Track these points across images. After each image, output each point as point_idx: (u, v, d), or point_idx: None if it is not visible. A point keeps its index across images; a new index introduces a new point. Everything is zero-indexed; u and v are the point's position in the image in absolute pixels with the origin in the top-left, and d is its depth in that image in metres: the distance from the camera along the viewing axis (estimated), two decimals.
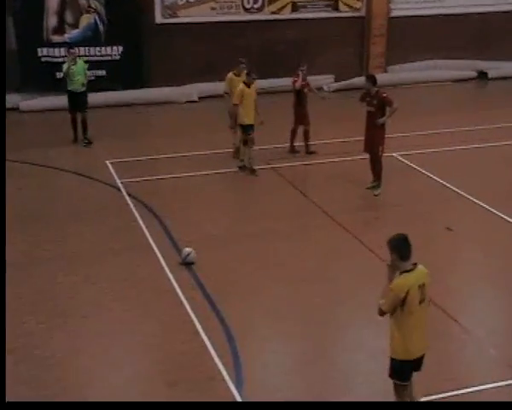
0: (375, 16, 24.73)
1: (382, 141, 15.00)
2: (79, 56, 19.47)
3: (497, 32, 25.49)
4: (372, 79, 15.01)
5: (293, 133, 17.60)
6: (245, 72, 16.59)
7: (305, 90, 17.49)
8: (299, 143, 17.56)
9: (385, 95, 14.87)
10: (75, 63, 18.49)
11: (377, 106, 14.77)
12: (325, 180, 16.07)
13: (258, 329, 10.46)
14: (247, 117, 16.12)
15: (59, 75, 21.98)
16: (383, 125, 14.87)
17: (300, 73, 17.36)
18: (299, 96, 17.37)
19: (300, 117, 17.43)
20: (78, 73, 18.49)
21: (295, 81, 17.29)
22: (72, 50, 18.79)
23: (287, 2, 24.18)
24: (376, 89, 14.93)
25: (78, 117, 18.67)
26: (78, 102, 18.60)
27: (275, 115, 20.28)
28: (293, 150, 17.68)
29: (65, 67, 18.66)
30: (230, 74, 17.14)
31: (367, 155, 15.38)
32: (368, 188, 15.23)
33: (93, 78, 20.93)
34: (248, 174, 16.34)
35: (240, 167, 16.58)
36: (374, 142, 14.96)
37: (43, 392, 8.95)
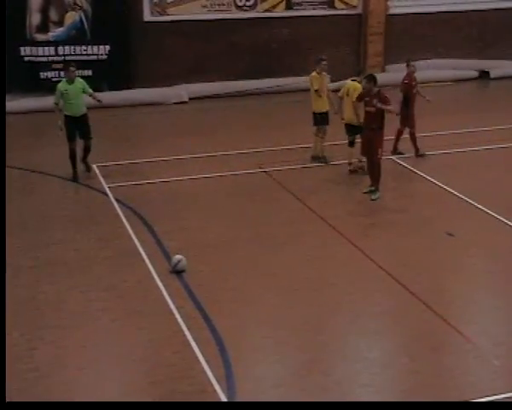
0: (372, 14, 24.82)
1: (381, 144, 15.06)
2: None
3: (497, 31, 25.59)
4: (373, 80, 15.12)
5: (399, 134, 17.63)
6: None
7: (414, 90, 17.53)
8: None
9: (386, 95, 14.99)
10: (71, 82, 16.36)
11: (377, 107, 14.84)
12: (321, 184, 16.07)
13: (251, 339, 10.44)
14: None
15: (43, 75, 22.08)
16: (382, 127, 14.93)
17: (409, 70, 17.48)
18: (407, 95, 17.38)
19: (406, 118, 17.39)
20: (75, 95, 16.36)
21: (406, 81, 17.40)
22: (72, 69, 16.65)
23: (281, 0, 24.20)
24: (377, 89, 15.02)
25: (80, 144, 16.72)
26: (78, 129, 16.55)
27: (269, 117, 20.36)
28: (395, 151, 17.67)
29: (60, 88, 16.41)
30: (314, 73, 17.10)
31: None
32: (365, 192, 15.24)
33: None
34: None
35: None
36: (372, 144, 14.99)
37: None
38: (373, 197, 15.14)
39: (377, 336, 10.56)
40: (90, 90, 16.61)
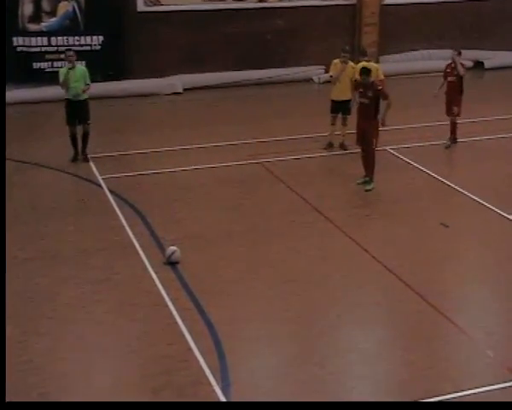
0: (366, 4, 24.82)
1: (376, 133, 15.10)
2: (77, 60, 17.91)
3: (492, 21, 25.59)
4: (369, 72, 15.11)
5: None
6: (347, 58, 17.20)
7: (449, 78, 17.75)
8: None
9: (380, 87, 14.99)
10: (72, 68, 16.88)
11: (372, 98, 14.86)
12: (316, 175, 16.07)
13: (245, 331, 10.41)
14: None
15: (36, 66, 22.03)
16: (376, 116, 14.94)
17: (456, 58, 17.58)
18: (461, 83, 17.60)
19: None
20: (77, 79, 16.85)
21: (453, 68, 17.56)
22: (69, 53, 17.29)
23: None
24: (372, 80, 15.03)
25: (79, 131, 17.22)
26: (78, 113, 17.01)
27: (263, 108, 20.33)
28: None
29: (62, 73, 17.02)
30: (336, 60, 17.36)
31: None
32: (359, 183, 15.24)
33: None
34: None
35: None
36: (366, 134, 15.00)
37: (21, 400, 8.90)
38: (367, 188, 15.16)
39: (371, 327, 10.57)
40: (88, 81, 17.06)
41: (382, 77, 16.78)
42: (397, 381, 9.28)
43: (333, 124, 17.32)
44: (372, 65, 16.70)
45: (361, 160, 15.37)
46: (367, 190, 15.15)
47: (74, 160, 17.08)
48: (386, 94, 14.96)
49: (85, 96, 17.09)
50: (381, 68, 17.24)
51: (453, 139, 17.85)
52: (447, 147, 17.74)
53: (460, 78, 17.56)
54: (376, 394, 9.04)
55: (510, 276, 11.93)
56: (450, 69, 17.73)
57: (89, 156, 17.16)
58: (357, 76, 15.59)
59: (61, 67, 18.04)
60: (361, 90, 15.09)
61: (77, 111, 17.01)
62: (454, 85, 17.60)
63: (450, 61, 17.91)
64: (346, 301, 11.13)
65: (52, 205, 14.63)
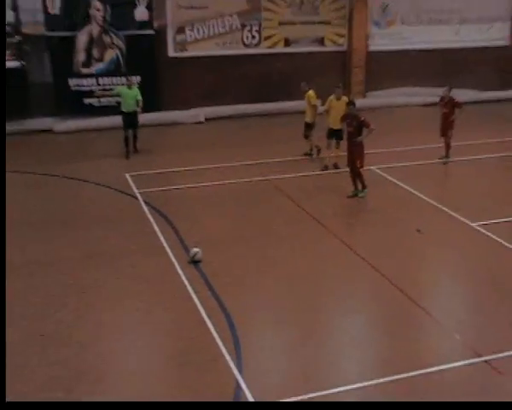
0: (355, 50, 24.80)
1: (361, 156, 15.08)
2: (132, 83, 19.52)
3: (456, 65, 25.57)
4: (354, 104, 15.23)
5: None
6: (341, 94, 17.15)
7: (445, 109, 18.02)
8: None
9: (363, 118, 14.94)
10: (130, 88, 18.88)
11: (356, 127, 14.85)
12: (313, 190, 15.98)
13: (256, 317, 10.35)
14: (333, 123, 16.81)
15: (86, 101, 22.08)
16: (361, 142, 14.93)
17: (447, 93, 18.01)
18: (453, 112, 17.88)
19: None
20: (132, 96, 18.68)
21: (446, 102, 17.88)
22: (131, 78, 19.38)
23: (280, 39, 24.19)
24: (356, 112, 14.96)
25: (131, 135, 18.84)
26: (130, 121, 18.74)
27: (270, 134, 20.31)
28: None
29: (119, 89, 19.44)
30: (331, 96, 17.22)
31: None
32: (348, 197, 15.18)
33: (115, 103, 20.80)
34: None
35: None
36: (354, 157, 14.99)
37: (70, 371, 8.87)
38: (360, 195, 15.20)
39: (359, 315, 10.48)
40: (140, 98, 18.77)
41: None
42: (380, 359, 9.19)
43: (328, 147, 17.21)
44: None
45: (350, 177, 15.32)
46: (360, 197, 15.18)
47: (127, 157, 18.63)
48: (369, 123, 14.88)
49: (136, 109, 18.70)
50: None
51: (446, 156, 17.95)
52: (444, 163, 17.85)
53: (453, 108, 17.77)
54: (363, 371, 8.95)
55: (475, 272, 11.82)
56: (444, 103, 17.98)
57: (139, 150, 19.09)
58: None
59: (114, 89, 20.46)
60: (348, 120, 15.13)
61: (130, 120, 18.72)
62: (447, 115, 17.86)
63: (442, 96, 18.18)
64: (338, 293, 11.07)
65: (96, 214, 14.57)
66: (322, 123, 17.71)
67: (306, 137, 18.30)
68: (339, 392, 8.42)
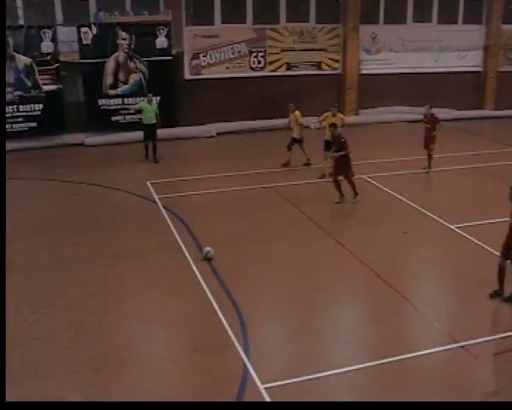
0: (348, 74, 24.77)
1: (349, 167, 15.20)
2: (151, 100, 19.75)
3: (436, 87, 25.54)
4: (336, 126, 15.54)
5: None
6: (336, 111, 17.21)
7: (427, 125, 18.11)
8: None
9: (343, 140, 15.19)
10: (150, 103, 19.33)
11: (338, 146, 15.18)
12: (311, 196, 15.96)
13: (261, 308, 10.36)
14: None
15: (113, 119, 22.13)
16: (348, 155, 15.10)
17: (428, 111, 18.10)
18: (434, 127, 17.86)
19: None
20: (151, 110, 19.19)
21: (428, 119, 18.00)
22: (149, 95, 19.73)
23: (282, 63, 24.21)
24: (338, 133, 15.38)
25: (150, 144, 19.31)
26: (150, 132, 19.22)
27: (274, 147, 20.30)
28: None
29: (141, 104, 19.88)
30: (327, 113, 17.21)
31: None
32: (337, 203, 15.25)
33: (137, 119, 20.85)
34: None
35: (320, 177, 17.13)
36: (345, 169, 15.20)
37: (99, 354, 8.89)
38: (353, 200, 15.27)
39: (351, 306, 10.49)
40: (157, 112, 19.36)
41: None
42: (371, 346, 9.18)
43: (325, 159, 17.18)
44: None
45: (334, 186, 15.37)
46: (353, 202, 15.23)
47: (146, 157, 19.40)
48: (346, 145, 15.06)
49: (154, 122, 19.16)
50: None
51: (429, 167, 17.90)
52: (427, 172, 17.81)
53: (434, 124, 17.78)
54: (356, 355, 8.95)
55: (453, 268, 11.81)
56: (426, 119, 18.10)
57: (158, 160, 19.26)
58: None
59: (137, 105, 20.66)
60: (332, 139, 15.55)
61: (149, 131, 19.25)
62: (429, 130, 17.89)
63: (425, 114, 18.31)
64: (332, 286, 11.06)
65: (122, 217, 14.60)
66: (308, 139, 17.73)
67: (289, 148, 18.32)
68: (334, 373, 8.43)
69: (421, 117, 18.62)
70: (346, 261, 12.01)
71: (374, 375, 8.46)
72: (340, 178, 15.38)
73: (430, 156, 17.97)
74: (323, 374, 8.41)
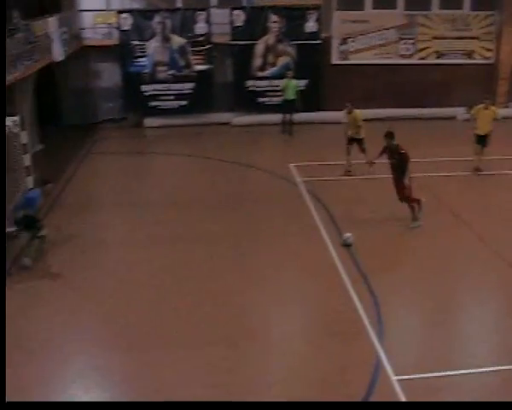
0: (502, 63, 23.34)
1: (406, 186, 12.49)
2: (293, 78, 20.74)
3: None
4: (392, 136, 12.54)
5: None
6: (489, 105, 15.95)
7: None
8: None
9: (403, 151, 12.34)
10: (290, 80, 20.46)
11: (397, 159, 12.38)
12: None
13: (397, 298, 9.97)
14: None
15: (259, 100, 22.33)
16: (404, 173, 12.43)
17: None
18: None
19: None
20: (292, 87, 20.39)
21: None
22: (288, 72, 20.84)
23: (432, 51, 23.25)
24: (396, 144, 12.48)
25: (287, 118, 20.47)
26: (288, 107, 20.42)
27: (423, 136, 19.51)
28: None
29: (284, 83, 20.76)
30: (480, 106, 15.94)
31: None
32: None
33: (281, 102, 21.08)
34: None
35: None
36: (400, 188, 12.58)
37: (238, 330, 8.92)
38: (411, 226, 12.58)
39: (489, 303, 9.90)
40: (297, 89, 20.53)
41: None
42: (507, 346, 8.57)
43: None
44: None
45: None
46: (411, 228, 12.57)
47: (283, 132, 20.57)
48: (407, 157, 12.27)
49: (294, 98, 20.26)
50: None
51: None
52: None
53: None
54: (490, 356, 8.41)
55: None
56: None
57: (293, 133, 20.28)
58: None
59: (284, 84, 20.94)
60: (387, 153, 12.69)
61: (288, 105, 20.43)
62: None
63: None
64: (471, 281, 10.44)
65: (262, 196, 14.63)
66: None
67: (348, 152, 16.11)
68: (470, 373, 8.00)
69: None
70: (486, 256, 11.30)
71: (509, 377, 7.91)
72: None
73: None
74: (455, 373, 8.00)
